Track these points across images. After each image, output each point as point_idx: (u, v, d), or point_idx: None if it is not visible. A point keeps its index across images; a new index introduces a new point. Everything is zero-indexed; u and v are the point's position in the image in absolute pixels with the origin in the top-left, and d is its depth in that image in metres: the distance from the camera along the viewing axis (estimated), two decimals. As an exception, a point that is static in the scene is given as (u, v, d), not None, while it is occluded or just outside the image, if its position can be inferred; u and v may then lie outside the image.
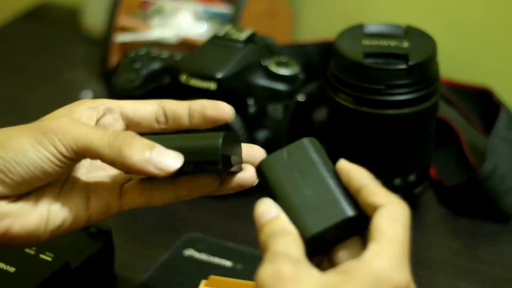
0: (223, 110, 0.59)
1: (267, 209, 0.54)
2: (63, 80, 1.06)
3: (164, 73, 0.84)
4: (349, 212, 0.54)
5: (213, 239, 0.77)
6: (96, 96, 1.02)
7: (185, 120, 0.60)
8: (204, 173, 0.58)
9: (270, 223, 0.53)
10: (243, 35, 0.82)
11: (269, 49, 0.84)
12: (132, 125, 0.60)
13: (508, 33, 0.99)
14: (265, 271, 0.50)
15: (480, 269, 0.76)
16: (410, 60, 0.74)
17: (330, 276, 0.50)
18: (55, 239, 0.58)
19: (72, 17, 1.18)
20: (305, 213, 0.53)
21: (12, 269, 0.66)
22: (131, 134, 0.56)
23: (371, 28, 0.79)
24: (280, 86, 0.82)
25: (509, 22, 0.98)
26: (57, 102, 0.63)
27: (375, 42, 0.77)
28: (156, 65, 0.84)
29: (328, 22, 1.07)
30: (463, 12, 1.00)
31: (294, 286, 0.49)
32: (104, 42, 1.04)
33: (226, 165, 0.56)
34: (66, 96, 1.02)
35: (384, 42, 0.77)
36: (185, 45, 1.00)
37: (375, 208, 0.52)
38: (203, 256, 0.75)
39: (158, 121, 0.60)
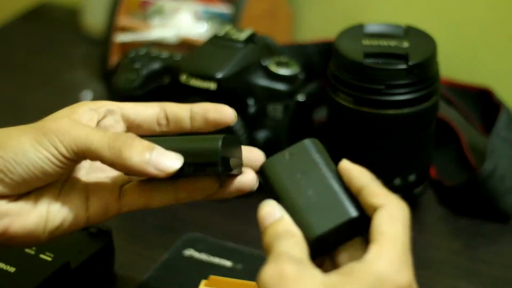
0: (225, 113, 0.59)
1: (271, 211, 0.54)
2: (63, 80, 1.06)
3: (164, 73, 0.83)
4: (353, 213, 0.54)
5: (213, 239, 0.77)
6: (96, 96, 1.02)
7: (186, 123, 0.60)
8: (203, 175, 0.58)
9: (274, 225, 0.53)
10: (243, 35, 0.82)
11: (269, 49, 0.84)
12: (133, 127, 0.60)
13: (508, 33, 0.98)
14: (268, 271, 0.50)
15: (480, 269, 0.76)
16: (410, 60, 0.74)
17: (333, 277, 0.50)
18: (54, 239, 0.58)
19: (72, 17, 1.18)
20: (309, 215, 0.53)
21: (12, 269, 0.66)
22: (131, 136, 0.56)
23: (371, 28, 0.79)
24: (280, 86, 0.82)
25: (509, 22, 0.98)
26: (57, 102, 0.63)
27: (375, 42, 0.77)
28: (156, 65, 0.84)
29: (328, 22, 1.07)
30: (463, 12, 1.00)
31: (297, 287, 0.49)
32: (104, 42, 1.04)
33: (226, 167, 0.56)
34: (66, 96, 1.02)
35: (384, 42, 0.77)
36: (185, 45, 0.99)
37: (375, 208, 0.52)
38: (203, 256, 0.75)
39: (159, 124, 0.60)
